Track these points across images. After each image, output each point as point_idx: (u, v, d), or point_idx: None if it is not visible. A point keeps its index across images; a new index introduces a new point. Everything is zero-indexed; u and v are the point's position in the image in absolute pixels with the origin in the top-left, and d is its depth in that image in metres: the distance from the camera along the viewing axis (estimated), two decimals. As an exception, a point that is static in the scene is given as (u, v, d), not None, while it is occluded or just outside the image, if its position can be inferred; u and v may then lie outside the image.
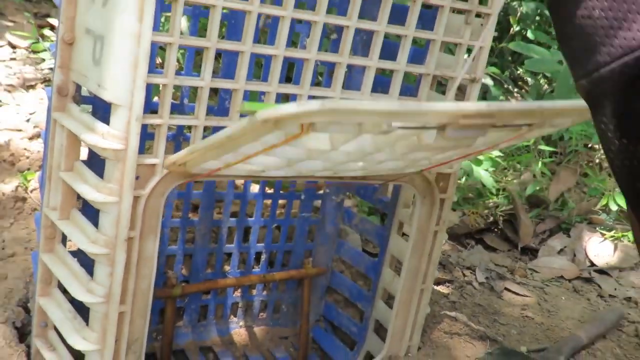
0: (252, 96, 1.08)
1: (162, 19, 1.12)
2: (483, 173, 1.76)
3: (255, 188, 1.27)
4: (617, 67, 0.50)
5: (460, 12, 0.97)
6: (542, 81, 2.47)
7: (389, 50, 0.96)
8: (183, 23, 0.79)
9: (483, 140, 0.81)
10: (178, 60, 0.82)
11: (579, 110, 0.71)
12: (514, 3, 2.56)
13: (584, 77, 0.54)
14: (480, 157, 1.81)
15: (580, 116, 0.76)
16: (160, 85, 0.81)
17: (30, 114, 1.74)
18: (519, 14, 2.54)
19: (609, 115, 0.52)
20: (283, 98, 0.96)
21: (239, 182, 1.27)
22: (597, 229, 1.90)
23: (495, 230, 1.87)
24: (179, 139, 1.11)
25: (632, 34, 0.50)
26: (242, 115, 0.87)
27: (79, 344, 0.87)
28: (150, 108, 0.84)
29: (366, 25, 0.92)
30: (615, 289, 1.67)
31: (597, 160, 2.23)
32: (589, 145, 2.28)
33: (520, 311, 1.47)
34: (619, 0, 0.51)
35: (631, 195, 0.54)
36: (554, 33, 2.34)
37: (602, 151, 2.22)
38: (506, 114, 0.69)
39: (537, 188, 1.94)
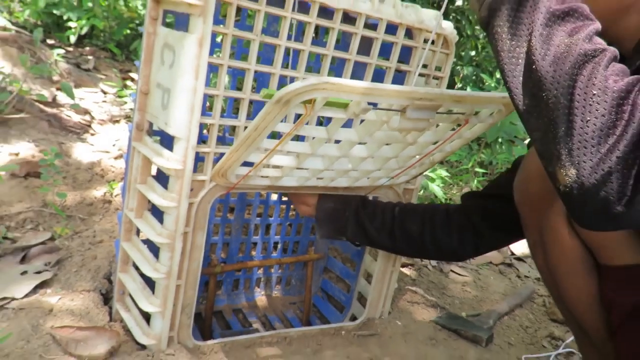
0: (274, 133, 1.08)
1: (211, 76, 1.12)
2: (435, 188, 1.75)
3: (274, 197, 1.27)
4: None
5: (422, 75, 0.97)
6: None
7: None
8: (226, 80, 0.79)
9: (432, 134, 0.81)
10: (222, 106, 0.82)
11: (494, 100, 0.75)
12: (458, 67, 2.57)
13: (480, 5, 0.56)
14: (433, 176, 1.81)
15: (496, 110, 0.79)
16: (209, 124, 0.81)
17: (116, 140, 1.74)
18: (461, 75, 2.55)
19: (504, 19, 0.53)
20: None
21: (263, 192, 1.27)
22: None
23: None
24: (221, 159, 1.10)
25: None
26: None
27: (147, 307, 0.86)
28: (202, 139, 0.83)
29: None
30: (529, 271, 1.66)
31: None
32: (510, 169, 2.27)
33: (461, 287, 1.46)
34: None
35: (517, 82, 0.53)
36: (485, 89, 2.33)
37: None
38: (446, 97, 0.70)
39: (474, 199, 1.94)
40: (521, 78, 0.52)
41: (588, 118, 0.47)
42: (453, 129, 0.83)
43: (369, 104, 0.65)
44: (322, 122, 1.17)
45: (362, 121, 0.74)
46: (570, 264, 0.73)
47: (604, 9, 0.63)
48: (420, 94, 0.67)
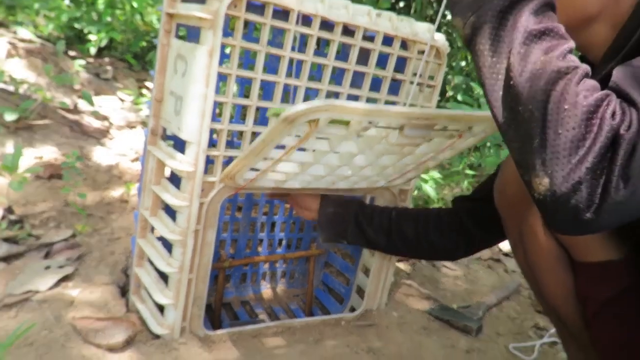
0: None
1: (220, 85, 1.12)
2: (429, 188, 1.75)
3: (279, 196, 1.27)
4: (488, 8, 0.52)
5: (416, 84, 0.97)
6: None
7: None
8: (234, 88, 0.79)
9: (428, 146, 0.80)
10: (230, 112, 0.82)
11: (487, 118, 0.73)
12: (449, 76, 2.57)
13: (464, 24, 0.55)
14: (427, 178, 1.80)
15: (488, 125, 0.77)
16: (219, 129, 0.81)
17: (133, 144, 1.74)
18: (452, 83, 2.55)
19: (485, 37, 0.53)
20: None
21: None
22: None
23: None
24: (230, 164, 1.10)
25: None
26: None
27: (161, 299, 0.86)
28: (212, 143, 0.83)
29: (354, 91, 0.91)
30: (515, 266, 1.65)
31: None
32: (498, 171, 2.27)
33: (453, 280, 1.46)
34: None
35: (497, 97, 0.53)
36: (474, 96, 2.34)
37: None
38: (442, 117, 0.69)
39: (464, 198, 1.93)
40: (500, 92, 0.52)
41: (560, 131, 0.46)
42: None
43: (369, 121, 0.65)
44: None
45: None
46: (548, 262, 0.74)
47: (569, 18, 0.63)
48: (417, 114, 0.66)
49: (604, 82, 0.51)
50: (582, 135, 0.46)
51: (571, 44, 0.51)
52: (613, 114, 0.46)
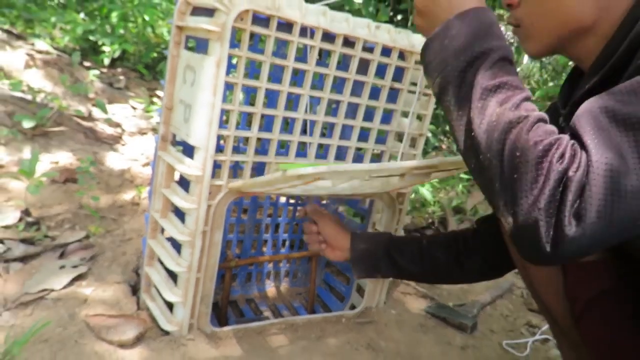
0: (282, 143, 1.08)
1: (227, 93, 1.12)
2: (425, 191, 1.75)
3: (283, 199, 1.27)
4: (451, 69, 0.55)
5: (413, 92, 0.97)
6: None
7: (368, 114, 0.96)
8: (240, 97, 0.79)
9: (428, 178, 0.80)
10: (237, 119, 0.82)
11: None
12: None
13: (433, 83, 0.58)
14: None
15: None
16: (225, 135, 0.81)
17: (144, 150, 1.74)
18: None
19: (450, 95, 0.55)
20: (301, 144, 0.96)
21: (273, 195, 1.26)
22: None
23: (433, 228, 1.85)
24: (236, 169, 1.10)
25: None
26: (276, 154, 0.87)
27: (170, 297, 0.86)
28: (219, 149, 0.83)
29: (354, 99, 0.92)
30: (508, 266, 1.64)
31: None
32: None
33: (448, 279, 1.45)
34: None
35: (463, 147, 0.55)
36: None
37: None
38: (444, 164, 0.69)
39: (459, 201, 1.93)
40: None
41: (515, 175, 0.48)
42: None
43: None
44: (325, 134, 1.16)
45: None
46: None
47: (564, 28, 0.63)
48: (418, 166, 0.66)
49: (589, 95, 0.51)
50: (534, 179, 0.47)
51: (525, 93, 0.53)
52: (561, 157, 0.47)
